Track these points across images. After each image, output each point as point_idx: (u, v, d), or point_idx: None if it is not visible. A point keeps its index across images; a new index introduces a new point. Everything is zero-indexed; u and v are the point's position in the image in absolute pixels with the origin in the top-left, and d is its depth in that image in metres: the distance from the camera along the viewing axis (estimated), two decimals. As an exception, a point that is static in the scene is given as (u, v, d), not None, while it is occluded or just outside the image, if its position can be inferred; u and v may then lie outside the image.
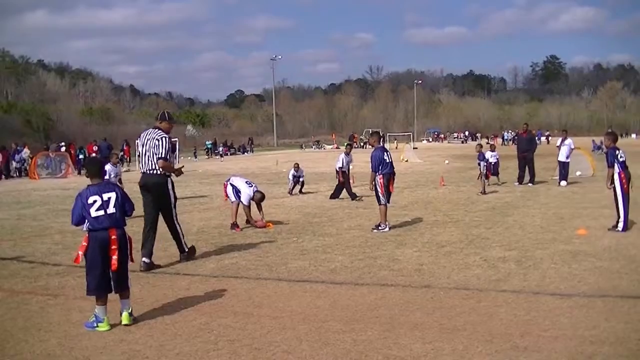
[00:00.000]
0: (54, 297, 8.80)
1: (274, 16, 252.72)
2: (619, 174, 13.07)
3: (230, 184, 14.95)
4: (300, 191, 23.60)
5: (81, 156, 43.34)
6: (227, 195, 15.07)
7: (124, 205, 7.60)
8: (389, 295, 8.48)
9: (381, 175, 13.95)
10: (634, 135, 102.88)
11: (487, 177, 22.80)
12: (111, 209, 7.37)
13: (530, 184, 23.91)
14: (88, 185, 7.53)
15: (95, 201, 7.33)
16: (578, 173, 26.13)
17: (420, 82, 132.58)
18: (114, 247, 7.30)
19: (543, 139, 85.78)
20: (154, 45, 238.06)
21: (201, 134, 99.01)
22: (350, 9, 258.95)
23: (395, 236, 13.17)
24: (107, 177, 16.06)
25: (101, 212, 7.31)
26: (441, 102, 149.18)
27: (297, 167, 23.77)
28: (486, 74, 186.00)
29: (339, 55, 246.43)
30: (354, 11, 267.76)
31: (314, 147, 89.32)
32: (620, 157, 13.19)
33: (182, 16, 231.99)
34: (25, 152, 42.41)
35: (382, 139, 14.44)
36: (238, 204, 14.67)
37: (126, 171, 39.93)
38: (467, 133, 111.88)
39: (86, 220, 7.35)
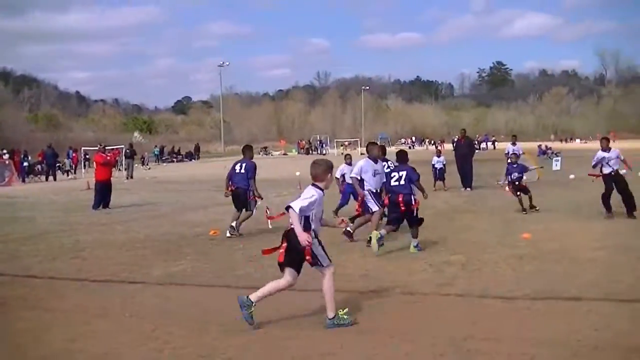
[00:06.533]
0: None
1: (231, 23, 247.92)
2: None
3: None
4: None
5: (25, 163, 42.45)
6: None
7: None
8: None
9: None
10: (578, 140, 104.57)
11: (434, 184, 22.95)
12: None
13: (468, 189, 24.26)
14: None
15: None
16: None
17: (367, 88, 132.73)
18: None
19: (489, 144, 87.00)
20: (106, 50, 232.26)
21: (148, 141, 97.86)
22: (309, 15, 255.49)
23: (340, 242, 13.14)
24: None
25: None
26: (389, 108, 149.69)
27: None
28: (434, 79, 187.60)
29: (292, 61, 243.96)
30: (311, 17, 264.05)
31: (261, 153, 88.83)
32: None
33: (138, 21, 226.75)
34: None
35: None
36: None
37: (72, 179, 39.58)
38: (414, 138, 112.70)
39: None
